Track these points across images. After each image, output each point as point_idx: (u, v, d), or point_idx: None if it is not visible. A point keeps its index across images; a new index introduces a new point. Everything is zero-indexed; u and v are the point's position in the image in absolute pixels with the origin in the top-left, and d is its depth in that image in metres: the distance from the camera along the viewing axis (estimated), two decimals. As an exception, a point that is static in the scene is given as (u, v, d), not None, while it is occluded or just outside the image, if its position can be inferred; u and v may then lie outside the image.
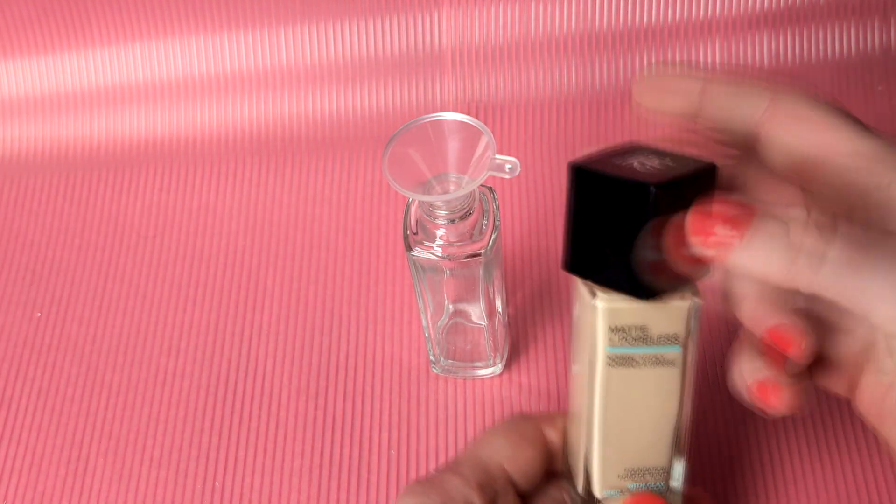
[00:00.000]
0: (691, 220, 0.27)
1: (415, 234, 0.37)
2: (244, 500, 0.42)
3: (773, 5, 0.54)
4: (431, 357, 0.45)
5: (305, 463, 0.43)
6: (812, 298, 0.27)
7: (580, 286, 0.30)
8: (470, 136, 0.35)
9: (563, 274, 0.49)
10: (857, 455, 0.42)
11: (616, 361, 0.29)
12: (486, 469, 0.32)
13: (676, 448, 0.31)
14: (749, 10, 0.54)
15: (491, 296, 0.41)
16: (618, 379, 0.29)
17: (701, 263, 0.28)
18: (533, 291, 0.48)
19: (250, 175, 0.54)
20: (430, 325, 0.43)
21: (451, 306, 0.43)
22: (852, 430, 0.42)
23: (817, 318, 0.29)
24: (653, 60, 0.54)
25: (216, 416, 0.45)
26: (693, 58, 0.54)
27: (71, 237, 0.53)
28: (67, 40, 0.56)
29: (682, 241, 0.27)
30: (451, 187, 0.36)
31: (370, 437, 0.44)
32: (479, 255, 0.37)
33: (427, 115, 0.35)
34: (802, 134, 0.29)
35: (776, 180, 0.31)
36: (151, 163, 0.55)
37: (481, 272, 0.38)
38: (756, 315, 0.29)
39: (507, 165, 0.34)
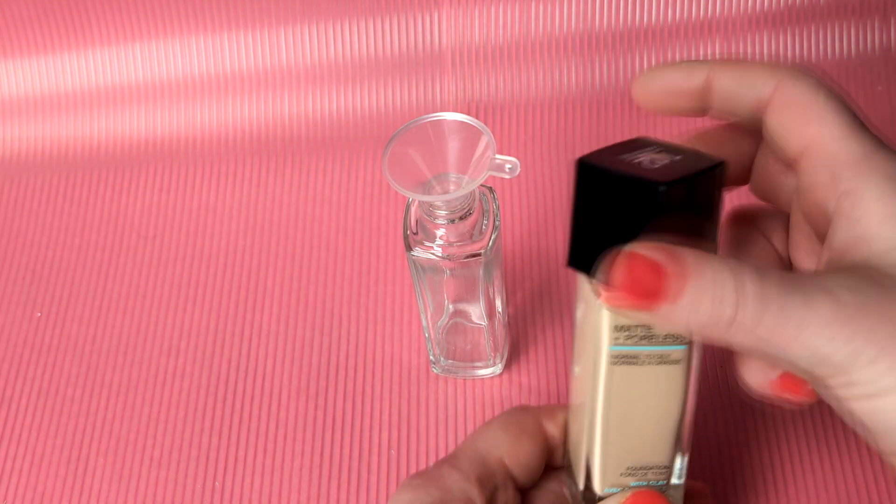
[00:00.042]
0: (620, 259, 0.25)
1: (415, 234, 0.37)
2: (244, 500, 0.42)
3: (773, 5, 0.54)
4: (431, 357, 0.45)
5: (305, 463, 0.43)
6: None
7: (584, 286, 0.30)
8: (470, 136, 0.35)
9: (564, 274, 0.49)
10: (857, 455, 0.42)
11: (620, 360, 0.29)
12: (485, 463, 0.32)
13: (678, 446, 0.31)
14: (749, 10, 0.54)
15: (491, 296, 0.41)
16: (621, 377, 0.29)
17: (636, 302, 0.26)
18: (533, 291, 0.48)
19: (250, 175, 0.54)
20: (430, 325, 0.43)
21: (451, 306, 0.43)
22: (852, 431, 0.42)
23: None
24: (653, 61, 0.54)
25: (216, 416, 0.45)
26: (693, 58, 0.54)
27: (71, 237, 0.53)
28: (67, 40, 0.56)
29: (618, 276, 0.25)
30: (451, 187, 0.36)
31: (370, 437, 0.44)
32: (479, 255, 0.37)
33: (427, 115, 0.35)
34: (795, 124, 0.28)
35: (780, 168, 0.30)
36: (151, 163, 0.55)
37: (481, 272, 0.38)
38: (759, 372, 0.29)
39: (507, 165, 0.34)
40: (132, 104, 0.56)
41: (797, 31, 0.54)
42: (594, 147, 0.29)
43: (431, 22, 0.55)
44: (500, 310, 0.42)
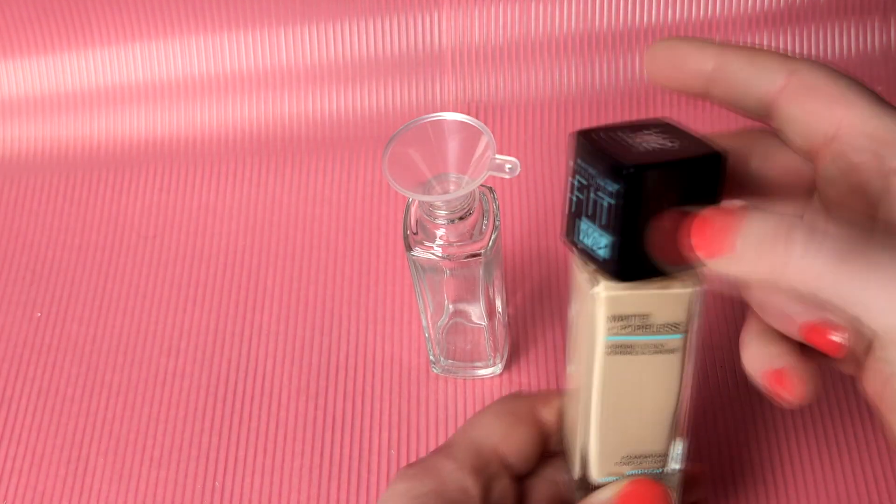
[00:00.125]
0: (685, 223, 0.26)
1: (415, 234, 0.37)
2: (244, 500, 0.42)
3: (773, 5, 0.54)
4: (431, 357, 0.45)
5: (305, 463, 0.43)
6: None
7: (579, 277, 0.29)
8: (470, 136, 0.35)
9: (564, 274, 0.49)
10: (858, 455, 0.42)
11: (616, 350, 0.29)
12: (480, 452, 0.31)
13: (675, 433, 0.31)
14: (749, 10, 0.54)
15: (491, 296, 0.41)
16: (617, 367, 0.29)
17: (685, 260, 0.27)
18: (533, 291, 0.48)
19: (250, 175, 0.54)
20: (430, 325, 0.43)
21: (451, 306, 0.43)
22: (852, 431, 0.42)
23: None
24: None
25: (216, 416, 0.45)
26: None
27: (71, 237, 0.53)
28: (67, 40, 0.56)
29: (669, 237, 0.26)
30: (451, 187, 0.36)
31: (370, 437, 0.44)
32: (479, 255, 0.37)
33: (427, 115, 0.35)
34: (817, 109, 0.28)
35: (790, 158, 0.30)
36: (151, 163, 0.55)
37: (481, 272, 0.38)
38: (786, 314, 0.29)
39: (507, 165, 0.34)
40: (132, 104, 0.56)
41: (797, 31, 0.54)
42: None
43: (431, 22, 0.55)
44: (500, 310, 0.42)
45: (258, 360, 0.47)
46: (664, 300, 0.28)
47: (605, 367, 0.29)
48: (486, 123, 0.54)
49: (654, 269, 0.27)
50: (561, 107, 0.55)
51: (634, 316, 0.28)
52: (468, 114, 0.37)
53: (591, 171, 0.27)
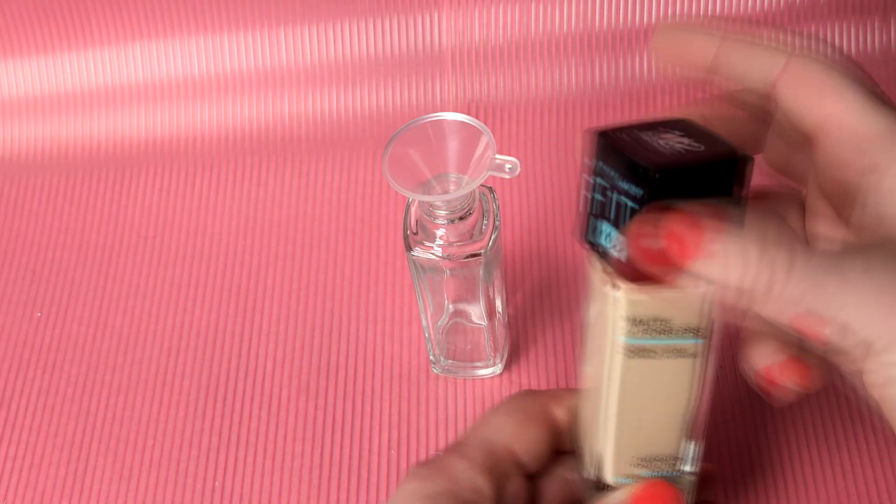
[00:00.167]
0: (665, 220, 0.25)
1: (415, 234, 0.37)
2: (244, 500, 0.42)
3: (773, 5, 0.54)
4: (431, 357, 0.45)
5: (305, 463, 0.43)
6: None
7: (596, 279, 0.29)
8: (470, 136, 0.35)
9: (564, 274, 0.49)
10: (858, 456, 0.42)
11: (635, 353, 0.29)
12: (492, 451, 0.31)
13: (691, 436, 0.31)
14: (749, 10, 0.54)
15: (491, 296, 0.41)
16: (637, 370, 0.29)
17: (663, 264, 0.26)
18: (533, 291, 0.48)
19: (250, 175, 0.54)
20: (430, 325, 0.43)
21: (451, 306, 0.43)
22: (853, 432, 0.42)
23: None
24: (653, 61, 0.54)
25: (216, 416, 0.45)
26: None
27: (71, 237, 0.53)
28: (67, 40, 0.56)
29: (646, 237, 0.26)
30: (451, 187, 0.36)
31: (370, 437, 0.44)
32: (479, 255, 0.37)
33: (427, 115, 0.35)
34: (810, 101, 0.27)
35: (789, 147, 0.30)
36: (151, 163, 0.55)
37: (481, 272, 0.38)
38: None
39: (507, 165, 0.34)
40: (132, 104, 0.56)
41: (797, 31, 0.54)
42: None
43: (431, 22, 0.55)
44: (500, 310, 0.42)
45: (258, 360, 0.47)
46: (683, 303, 0.28)
47: (624, 369, 0.29)
48: (486, 123, 0.54)
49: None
50: (561, 107, 0.55)
51: (654, 319, 0.28)
52: (468, 114, 0.37)
53: (613, 172, 0.27)
